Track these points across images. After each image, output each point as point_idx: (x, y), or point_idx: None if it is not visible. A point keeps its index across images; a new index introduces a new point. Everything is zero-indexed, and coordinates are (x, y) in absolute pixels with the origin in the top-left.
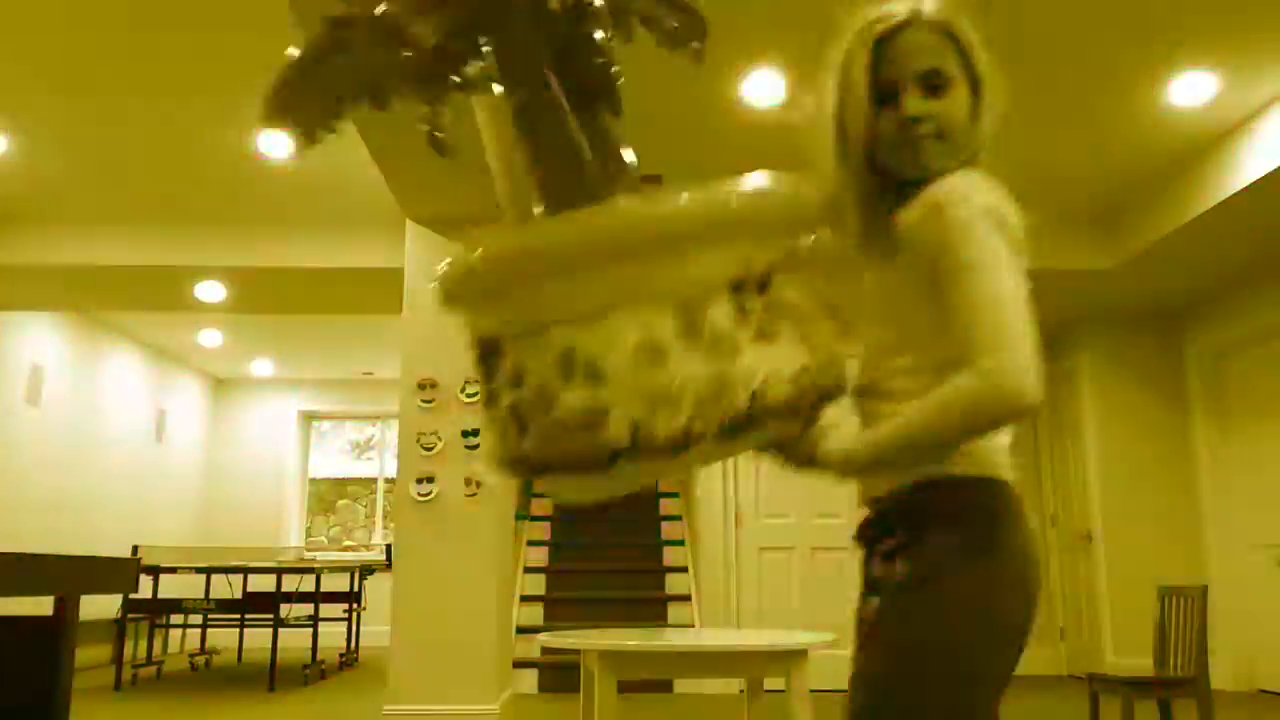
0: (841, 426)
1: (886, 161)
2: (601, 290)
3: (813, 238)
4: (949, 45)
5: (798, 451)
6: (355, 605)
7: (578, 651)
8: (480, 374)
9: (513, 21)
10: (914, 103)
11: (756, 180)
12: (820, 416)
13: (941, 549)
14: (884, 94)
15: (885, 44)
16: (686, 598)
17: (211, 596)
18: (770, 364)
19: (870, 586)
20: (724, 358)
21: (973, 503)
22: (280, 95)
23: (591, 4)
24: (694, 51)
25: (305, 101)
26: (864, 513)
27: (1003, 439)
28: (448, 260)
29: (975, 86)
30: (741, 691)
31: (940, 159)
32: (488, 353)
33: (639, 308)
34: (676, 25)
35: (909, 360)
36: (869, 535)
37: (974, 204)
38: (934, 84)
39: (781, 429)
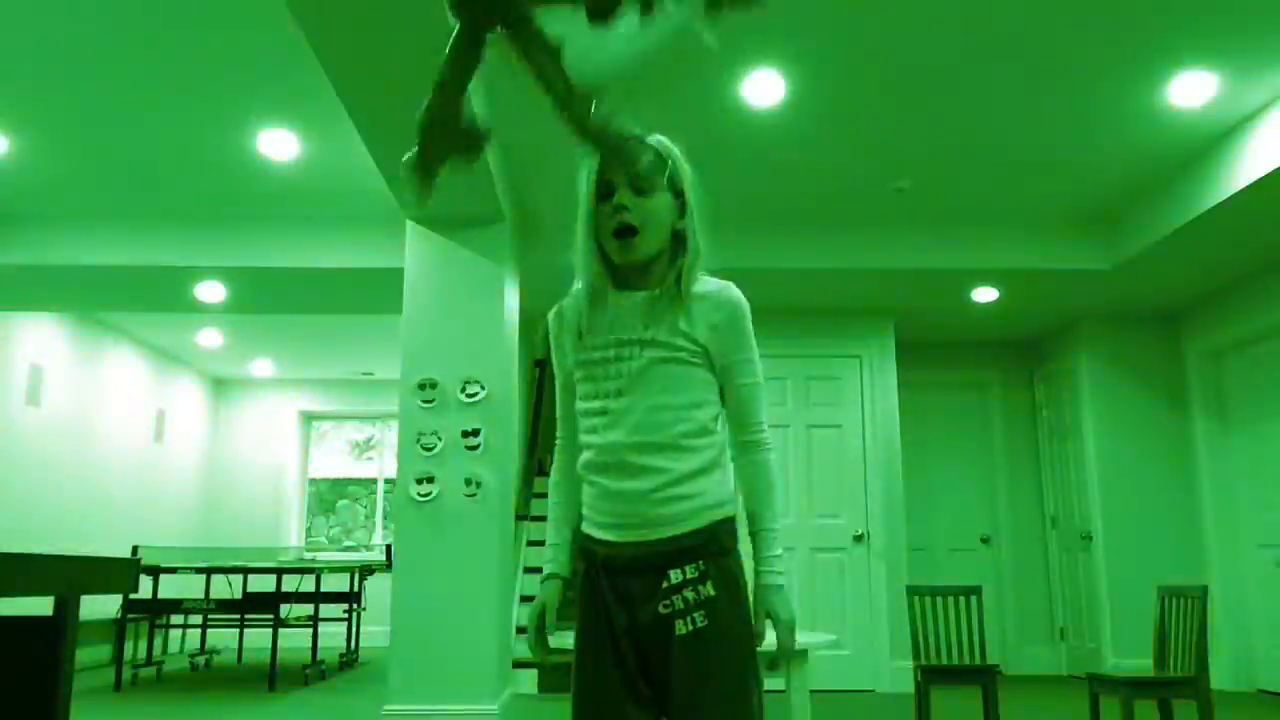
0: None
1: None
2: None
3: None
4: (657, 162)
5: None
6: (355, 605)
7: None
8: None
9: None
10: (623, 196)
11: None
12: None
13: (732, 568)
14: (601, 193)
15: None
16: None
17: (211, 596)
18: None
19: (672, 603)
20: None
21: (734, 533)
22: None
23: None
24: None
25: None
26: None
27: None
28: None
29: (678, 197)
30: None
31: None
32: None
33: None
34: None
35: (694, 424)
36: (660, 564)
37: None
38: (641, 187)
39: None
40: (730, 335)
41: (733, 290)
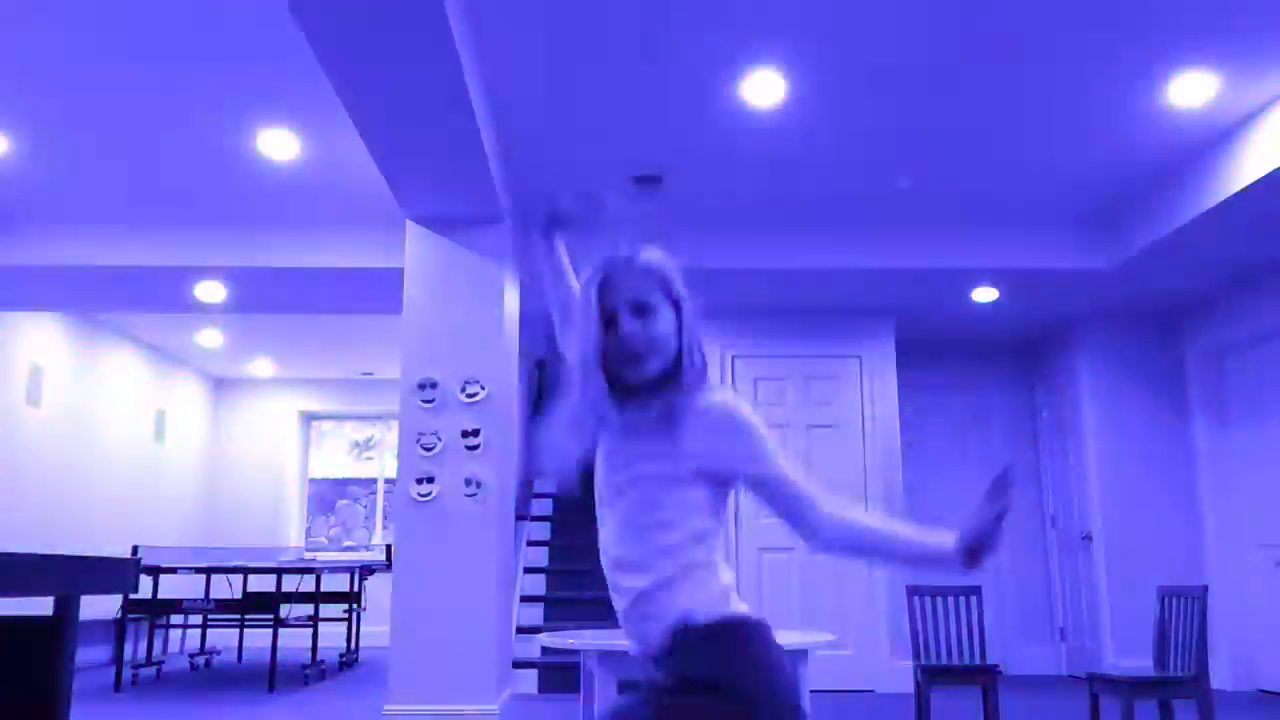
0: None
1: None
2: None
3: None
4: (653, 280)
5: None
6: (355, 605)
7: (578, 651)
8: None
9: None
10: (626, 323)
11: None
12: None
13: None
14: (607, 320)
15: (607, 282)
16: None
17: (211, 597)
18: None
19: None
20: None
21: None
22: None
23: None
24: None
25: None
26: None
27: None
28: None
29: (677, 309)
30: None
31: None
32: None
33: None
34: None
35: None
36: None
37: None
38: (642, 309)
39: None
40: (729, 442)
41: (727, 397)
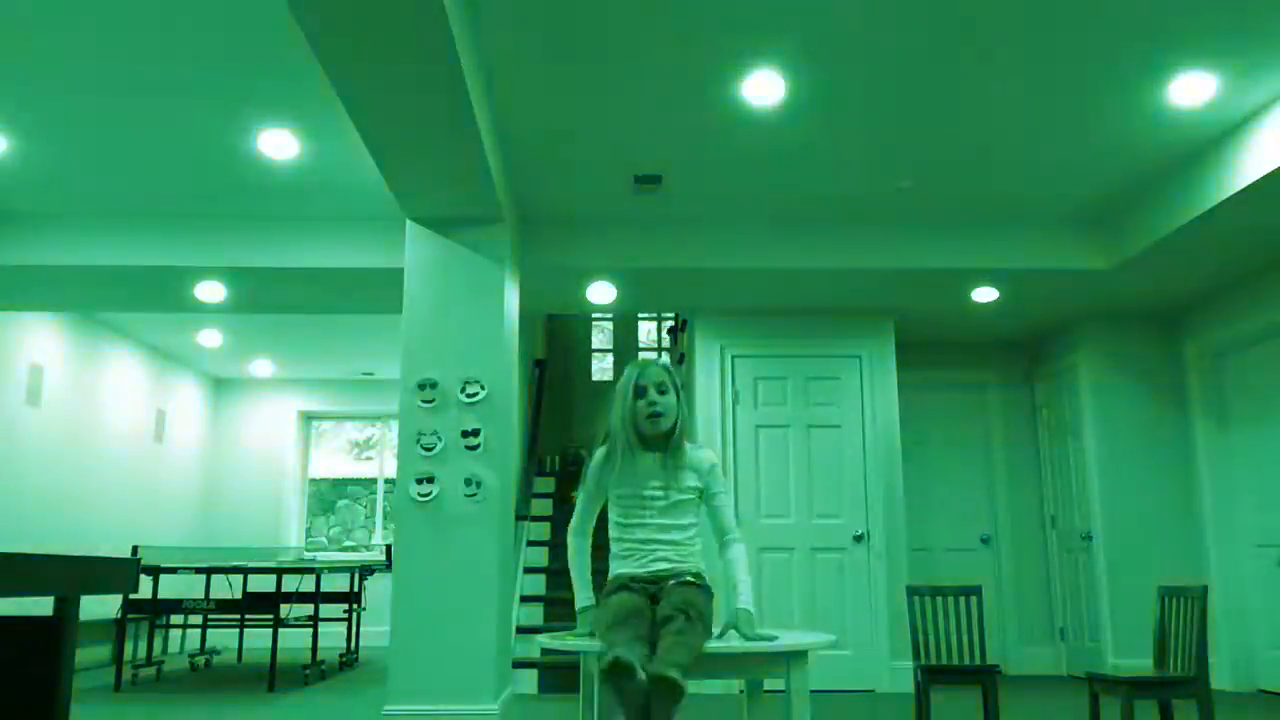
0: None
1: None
2: None
3: None
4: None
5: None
6: (355, 605)
7: (578, 652)
8: None
9: None
10: (652, 394)
11: None
12: None
13: (707, 590)
14: (638, 394)
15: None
16: None
17: (211, 596)
18: None
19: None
20: None
21: (706, 584)
22: None
23: None
24: None
25: None
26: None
27: None
28: None
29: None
30: (741, 691)
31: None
32: None
33: None
34: None
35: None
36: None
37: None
38: (661, 389)
39: None
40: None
41: (707, 451)
